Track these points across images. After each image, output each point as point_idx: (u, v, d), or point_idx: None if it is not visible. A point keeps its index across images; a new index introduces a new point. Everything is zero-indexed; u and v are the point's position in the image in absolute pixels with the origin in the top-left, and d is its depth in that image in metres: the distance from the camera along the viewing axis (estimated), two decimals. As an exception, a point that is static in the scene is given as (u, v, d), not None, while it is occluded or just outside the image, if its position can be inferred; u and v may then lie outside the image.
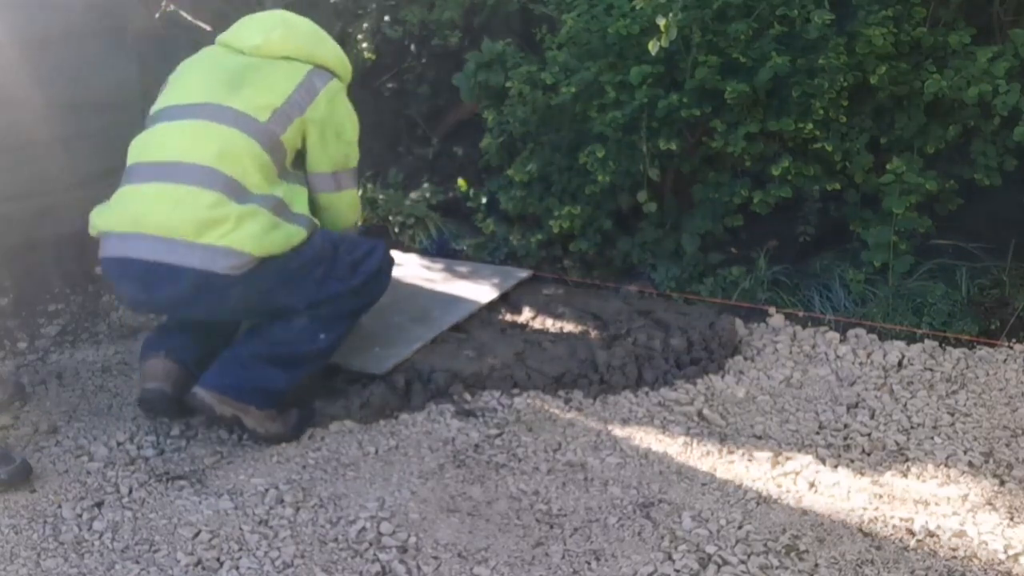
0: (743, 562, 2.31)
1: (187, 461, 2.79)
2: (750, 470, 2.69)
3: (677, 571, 2.29)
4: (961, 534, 2.41)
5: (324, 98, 2.92)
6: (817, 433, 2.89)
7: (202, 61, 3.03)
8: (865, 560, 2.32)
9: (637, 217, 3.91)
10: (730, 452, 2.79)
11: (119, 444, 2.87)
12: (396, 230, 4.23)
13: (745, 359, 3.30)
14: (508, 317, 3.55)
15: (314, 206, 2.99)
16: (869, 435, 2.86)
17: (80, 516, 2.53)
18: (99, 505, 2.58)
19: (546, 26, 4.12)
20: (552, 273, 3.89)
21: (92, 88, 3.90)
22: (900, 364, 3.24)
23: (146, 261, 2.72)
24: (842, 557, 2.33)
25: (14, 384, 3.14)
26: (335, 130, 2.95)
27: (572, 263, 3.93)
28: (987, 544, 2.37)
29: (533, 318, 3.52)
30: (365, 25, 4.83)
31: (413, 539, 2.41)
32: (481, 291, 3.64)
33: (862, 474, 2.67)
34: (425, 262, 3.91)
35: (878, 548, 2.37)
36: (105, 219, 2.85)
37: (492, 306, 3.60)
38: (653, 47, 3.40)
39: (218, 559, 2.37)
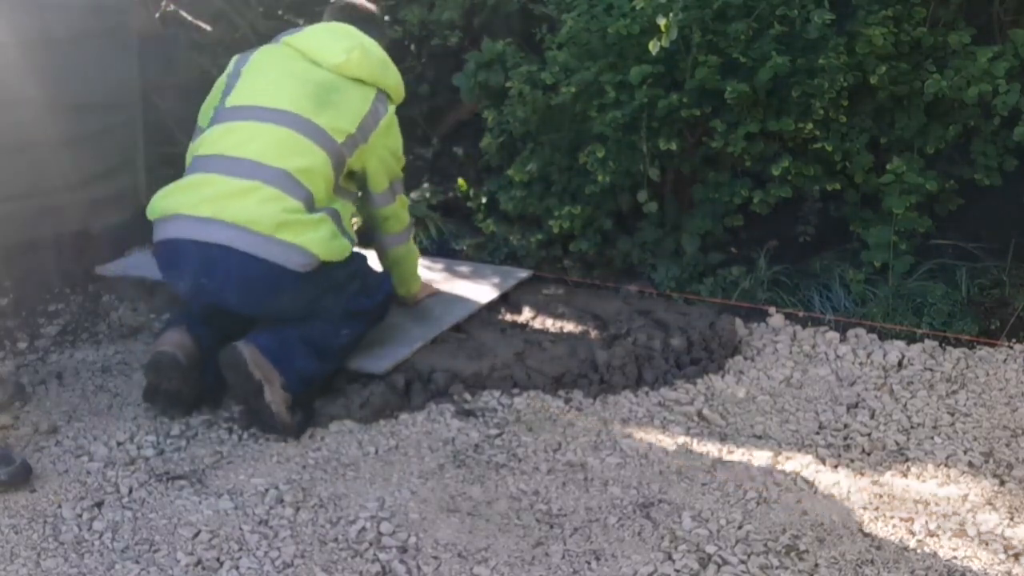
0: (743, 562, 2.31)
1: (187, 461, 2.79)
2: (750, 470, 2.69)
3: (677, 571, 2.29)
4: (961, 534, 2.41)
5: (385, 124, 3.14)
6: (817, 433, 2.89)
7: (282, 63, 3.11)
8: (865, 560, 2.32)
9: (637, 217, 3.91)
10: (730, 452, 2.79)
11: (119, 444, 2.87)
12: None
13: (745, 359, 3.30)
14: (508, 317, 3.55)
15: (375, 220, 3.29)
16: (869, 435, 2.86)
17: (80, 516, 2.53)
18: (99, 505, 2.58)
19: (546, 26, 4.12)
20: (552, 273, 3.89)
21: (92, 88, 3.90)
22: (900, 364, 3.24)
23: (220, 246, 2.83)
24: (842, 557, 2.33)
25: (14, 384, 3.14)
26: (391, 151, 3.21)
27: (572, 263, 3.93)
28: (987, 544, 2.37)
29: (533, 318, 3.53)
30: (365, 25, 4.83)
31: (413, 539, 2.41)
32: (481, 291, 3.64)
33: (862, 474, 2.68)
34: (425, 262, 3.90)
35: (878, 548, 2.37)
36: (176, 201, 2.93)
37: (492, 306, 3.60)
38: (653, 47, 3.40)
39: (218, 559, 2.37)
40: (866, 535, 2.42)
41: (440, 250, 4.10)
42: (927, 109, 3.63)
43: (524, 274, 3.82)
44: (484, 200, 4.21)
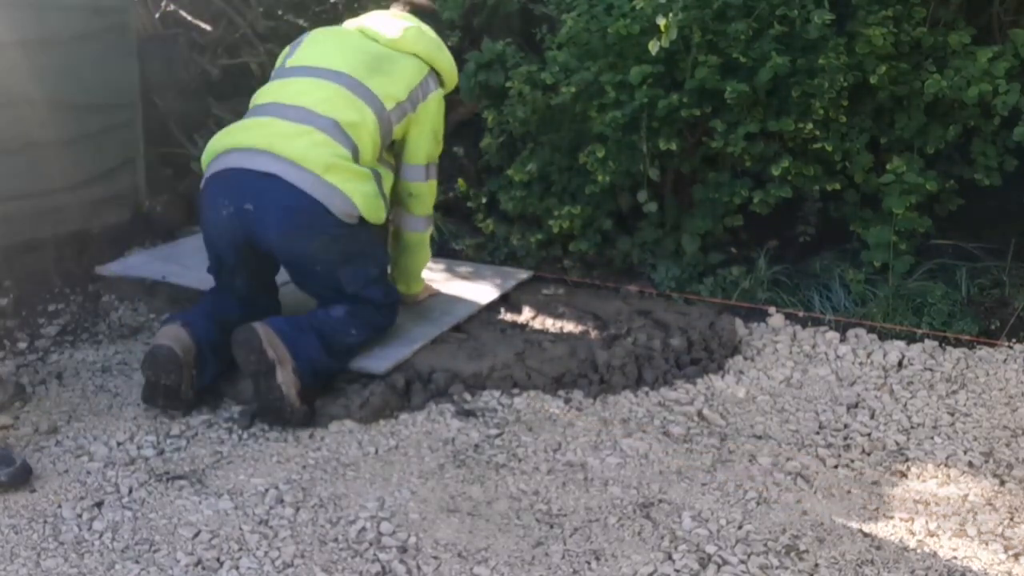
0: (743, 562, 2.31)
1: (187, 461, 2.79)
2: (750, 470, 2.69)
3: (677, 571, 2.29)
4: (961, 534, 2.41)
5: (433, 100, 3.29)
6: (817, 433, 2.89)
7: (340, 36, 3.30)
8: (865, 560, 2.32)
9: (637, 217, 3.91)
10: (730, 452, 2.79)
11: (119, 444, 2.87)
12: (396, 230, 4.22)
13: (745, 359, 3.30)
14: (508, 317, 3.55)
15: (401, 194, 3.36)
16: (869, 435, 2.86)
17: (80, 516, 2.53)
18: (99, 505, 2.58)
19: (546, 26, 4.12)
20: (552, 273, 3.89)
21: (92, 88, 3.90)
22: (900, 364, 3.24)
23: (271, 175, 2.94)
24: (842, 557, 2.33)
25: (14, 384, 3.14)
26: (433, 129, 3.32)
27: (572, 263, 3.93)
28: (987, 544, 2.37)
29: (533, 318, 3.52)
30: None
31: (413, 539, 2.41)
32: (481, 291, 3.65)
33: (862, 474, 2.68)
34: (425, 262, 3.91)
35: (878, 548, 2.37)
36: (231, 139, 3.06)
37: (492, 306, 3.60)
38: (653, 47, 3.40)
39: (218, 559, 2.37)
40: (866, 535, 2.42)
41: (440, 250, 4.10)
42: (927, 109, 3.63)
43: (524, 275, 3.82)
44: (484, 200, 4.21)
